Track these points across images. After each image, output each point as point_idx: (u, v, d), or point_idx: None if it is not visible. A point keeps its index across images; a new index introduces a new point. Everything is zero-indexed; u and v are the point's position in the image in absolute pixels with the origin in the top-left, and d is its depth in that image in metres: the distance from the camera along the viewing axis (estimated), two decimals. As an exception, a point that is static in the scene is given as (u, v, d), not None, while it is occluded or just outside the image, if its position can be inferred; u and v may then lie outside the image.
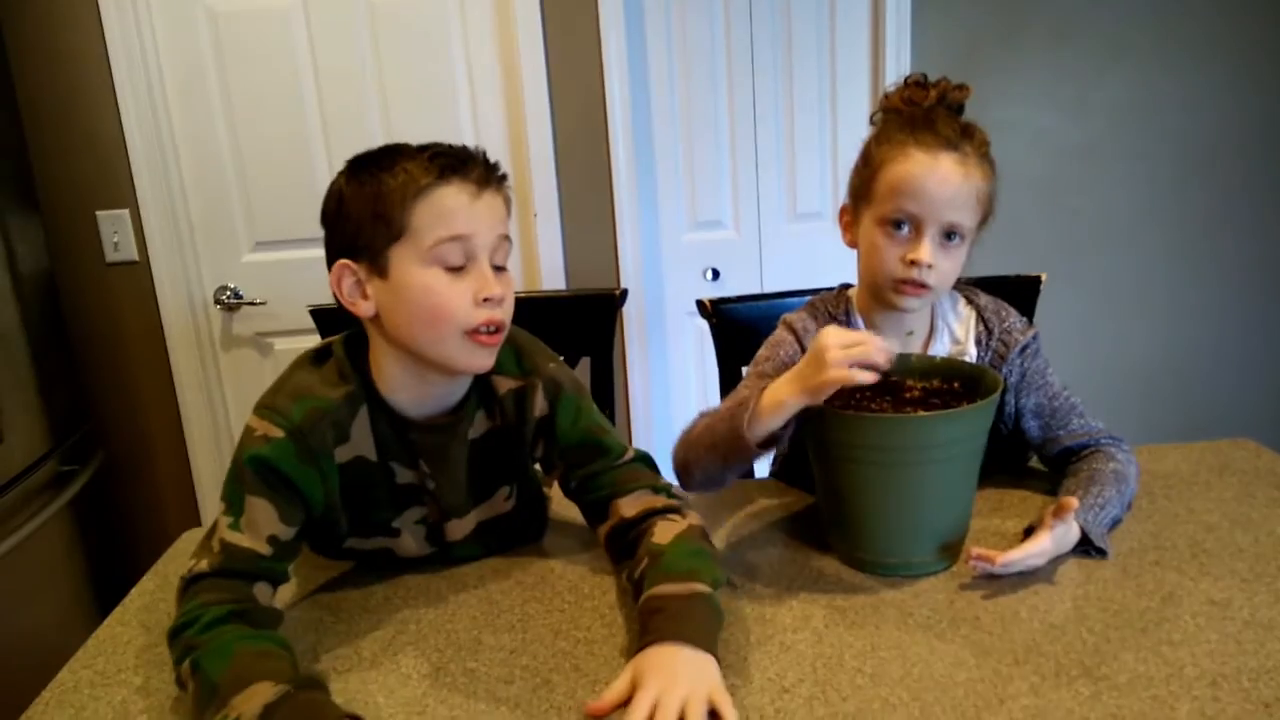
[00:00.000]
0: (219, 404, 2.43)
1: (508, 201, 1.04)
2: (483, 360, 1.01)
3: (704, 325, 1.60)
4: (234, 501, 0.97)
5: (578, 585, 1.07)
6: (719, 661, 0.86)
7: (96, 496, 2.25)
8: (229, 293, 2.38)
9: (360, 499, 1.06)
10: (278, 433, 0.97)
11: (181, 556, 1.21)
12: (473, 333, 0.98)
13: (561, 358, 1.15)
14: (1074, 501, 1.02)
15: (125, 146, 2.22)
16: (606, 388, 1.61)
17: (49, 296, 2.21)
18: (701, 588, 0.92)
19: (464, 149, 1.01)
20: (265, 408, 1.00)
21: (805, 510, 1.23)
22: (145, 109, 2.22)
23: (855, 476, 1.03)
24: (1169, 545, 1.07)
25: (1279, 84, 2.53)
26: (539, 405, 1.09)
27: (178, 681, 0.89)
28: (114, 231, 2.28)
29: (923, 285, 1.11)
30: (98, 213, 2.27)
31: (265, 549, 0.96)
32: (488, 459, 1.11)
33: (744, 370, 1.55)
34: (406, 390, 1.04)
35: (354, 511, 1.07)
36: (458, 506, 1.11)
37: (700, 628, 0.88)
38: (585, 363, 1.61)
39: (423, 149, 0.99)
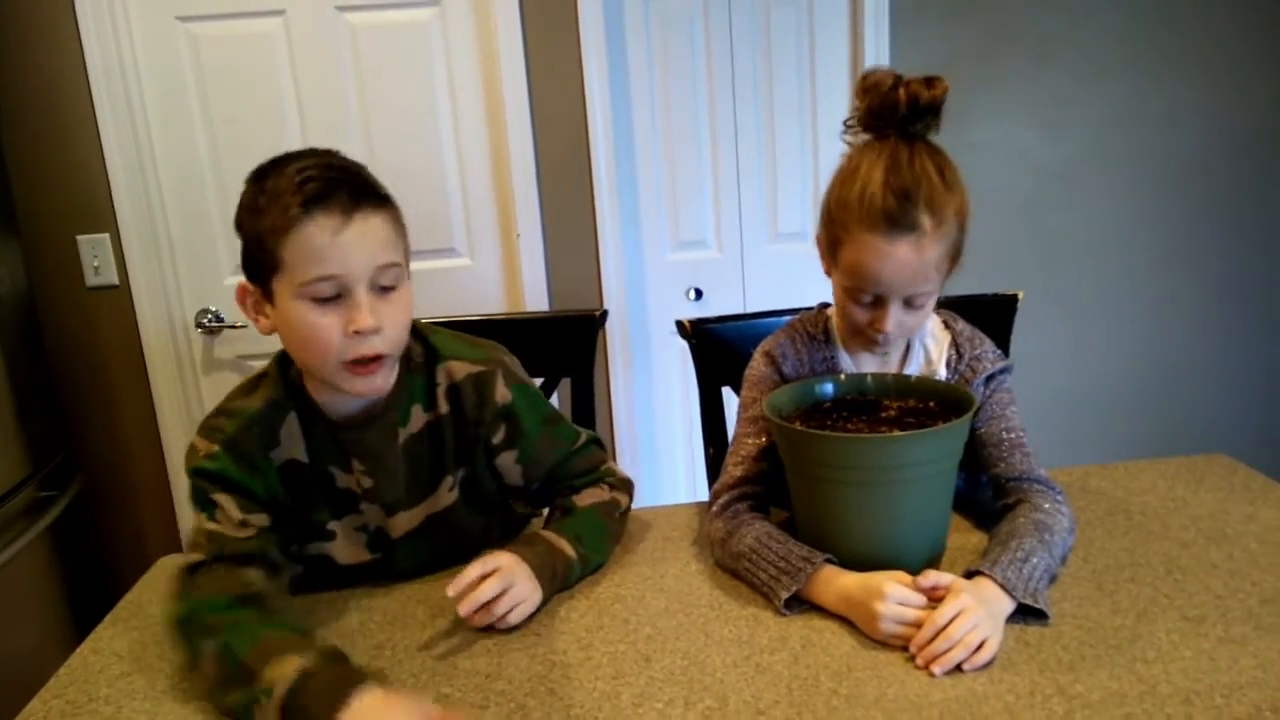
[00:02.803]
0: (201, 427, 2.42)
1: (392, 216, 1.02)
2: (370, 385, 1.02)
3: (687, 344, 1.60)
4: (203, 503, 1.04)
5: (553, 608, 1.07)
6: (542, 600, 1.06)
7: (76, 522, 2.23)
8: (210, 316, 2.37)
9: (300, 501, 1.10)
10: (214, 447, 1.04)
11: (157, 583, 1.21)
12: (348, 364, 1.00)
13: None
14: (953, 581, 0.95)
15: (105, 170, 2.22)
16: (587, 408, 1.61)
17: (29, 320, 2.20)
18: (570, 553, 1.09)
19: (335, 170, 0.98)
20: (205, 427, 1.07)
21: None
22: (126, 133, 2.21)
23: (831, 495, 1.03)
24: (1144, 562, 1.07)
25: (1257, 100, 2.56)
26: (501, 392, 1.13)
27: (189, 664, 0.95)
28: (94, 255, 2.27)
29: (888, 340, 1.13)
30: (78, 237, 2.25)
31: (244, 532, 1.03)
32: (427, 452, 1.13)
33: (725, 390, 1.56)
34: (329, 392, 1.07)
35: (296, 514, 1.11)
36: (398, 501, 1.13)
37: (544, 569, 1.06)
38: (566, 383, 1.61)
39: (301, 169, 0.97)
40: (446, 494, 1.16)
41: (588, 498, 1.19)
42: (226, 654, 0.91)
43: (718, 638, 0.98)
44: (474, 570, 1.00)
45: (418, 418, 1.11)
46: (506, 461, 1.17)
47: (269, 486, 1.07)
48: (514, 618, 1.02)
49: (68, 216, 2.25)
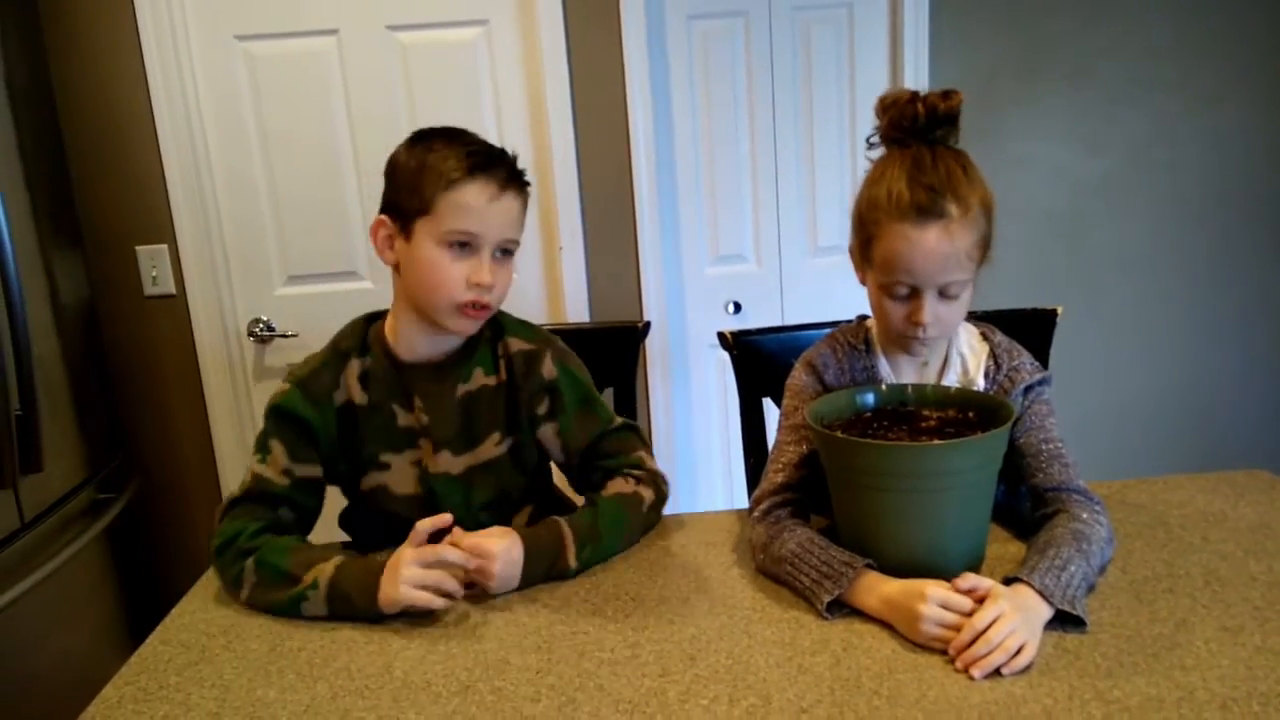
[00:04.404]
0: (251, 434, 2.48)
1: (525, 202, 1.24)
2: (466, 327, 1.24)
3: (726, 357, 1.63)
4: (261, 445, 1.25)
5: (601, 608, 1.10)
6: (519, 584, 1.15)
7: (131, 524, 2.30)
8: (262, 325, 2.44)
9: (355, 437, 1.28)
10: (287, 387, 1.25)
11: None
12: (461, 306, 1.20)
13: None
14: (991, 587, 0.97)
15: (165, 184, 2.30)
16: (630, 416, 1.63)
17: (89, 328, 2.28)
18: (571, 563, 1.17)
19: (496, 150, 1.21)
20: (287, 374, 1.28)
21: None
22: (185, 148, 2.29)
23: (872, 502, 1.06)
24: (1183, 573, 1.09)
25: (1296, 119, 2.55)
26: (548, 368, 1.30)
27: (233, 583, 1.17)
28: (152, 265, 2.35)
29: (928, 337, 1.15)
30: (137, 247, 2.34)
31: (283, 480, 1.23)
32: (480, 409, 1.29)
33: (765, 401, 1.59)
34: (412, 334, 1.26)
35: (352, 449, 1.28)
36: (448, 441, 1.28)
37: (538, 563, 1.15)
38: (609, 393, 1.64)
39: (467, 141, 1.20)
40: (492, 448, 1.30)
41: (612, 489, 1.28)
42: (266, 567, 1.13)
43: (760, 639, 1.01)
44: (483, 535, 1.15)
45: (478, 378, 1.29)
46: (548, 434, 1.32)
47: (328, 424, 1.25)
48: (481, 585, 1.14)
49: (128, 228, 2.33)
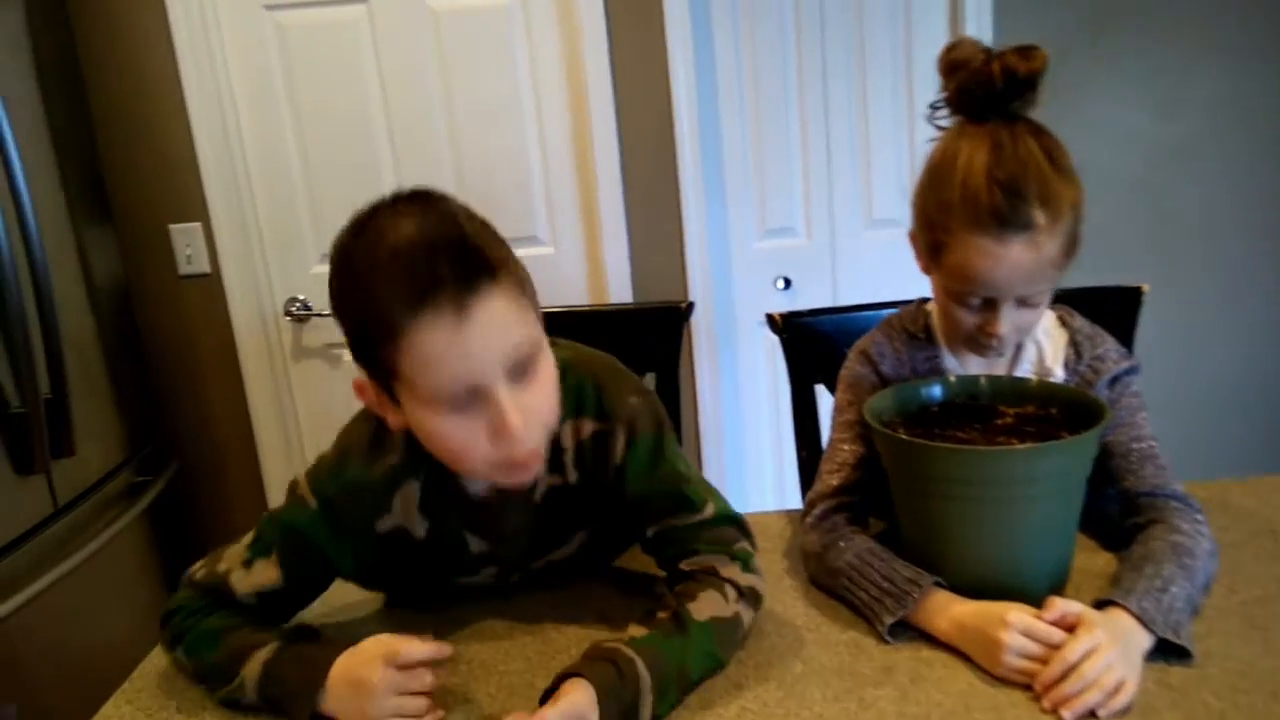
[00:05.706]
0: (290, 415, 2.44)
1: (514, 284, 0.84)
2: (518, 481, 0.91)
3: (776, 337, 1.52)
4: (255, 546, 0.98)
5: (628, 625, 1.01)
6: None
7: (170, 507, 2.28)
8: (298, 304, 2.38)
9: (408, 565, 1.02)
10: (312, 502, 0.96)
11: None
12: (498, 465, 0.86)
13: (643, 382, 1.05)
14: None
15: (196, 161, 2.24)
16: (673, 404, 1.54)
17: (123, 309, 2.24)
18: (649, 698, 0.83)
19: (433, 250, 0.80)
20: (313, 470, 0.99)
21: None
22: (215, 124, 2.23)
23: (943, 512, 0.95)
24: (1299, 593, 0.96)
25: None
26: (619, 450, 0.98)
27: (175, 662, 0.98)
28: (186, 244, 2.30)
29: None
30: (170, 226, 2.29)
31: (251, 600, 0.97)
32: (555, 515, 1.03)
33: (819, 388, 1.48)
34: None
35: (397, 572, 1.04)
36: (517, 561, 1.06)
37: (610, 712, 0.81)
38: (650, 378, 1.55)
39: (395, 251, 0.80)
40: (576, 546, 1.08)
41: (709, 607, 0.93)
42: (198, 659, 0.94)
43: (816, 665, 0.91)
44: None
45: (543, 482, 1.00)
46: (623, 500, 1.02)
47: (359, 554, 0.99)
48: None
49: (160, 206, 2.28)
